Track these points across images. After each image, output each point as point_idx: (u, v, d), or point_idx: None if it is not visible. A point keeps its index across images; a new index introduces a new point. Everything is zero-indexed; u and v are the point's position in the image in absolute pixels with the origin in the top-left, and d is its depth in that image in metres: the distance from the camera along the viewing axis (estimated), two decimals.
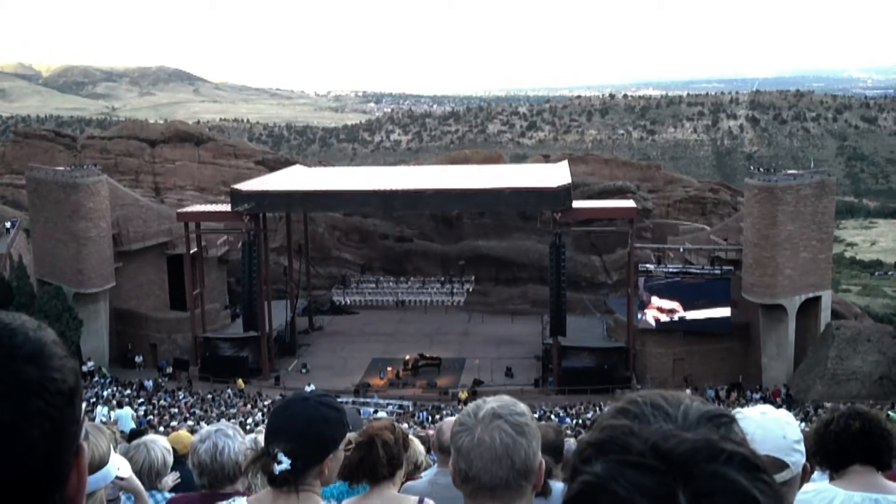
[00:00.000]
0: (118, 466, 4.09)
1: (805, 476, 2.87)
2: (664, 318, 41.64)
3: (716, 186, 63.91)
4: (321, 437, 2.59)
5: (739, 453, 0.99)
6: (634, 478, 0.96)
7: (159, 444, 4.80)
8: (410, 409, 37.93)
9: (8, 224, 45.52)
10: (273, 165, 60.08)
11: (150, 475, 4.57)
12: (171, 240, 47.53)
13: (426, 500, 3.50)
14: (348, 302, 49.54)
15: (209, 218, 45.57)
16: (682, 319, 41.48)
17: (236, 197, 42.85)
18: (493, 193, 42.28)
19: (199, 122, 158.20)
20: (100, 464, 3.93)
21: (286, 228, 50.45)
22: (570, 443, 6.55)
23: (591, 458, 1.02)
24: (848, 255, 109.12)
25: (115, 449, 5.81)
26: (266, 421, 3.33)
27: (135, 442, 4.93)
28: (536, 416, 30.07)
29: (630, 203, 45.20)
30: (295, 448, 2.52)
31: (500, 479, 2.05)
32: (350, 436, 3.28)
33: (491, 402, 2.18)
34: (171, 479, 4.94)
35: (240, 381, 41.74)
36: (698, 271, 41.94)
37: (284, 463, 2.50)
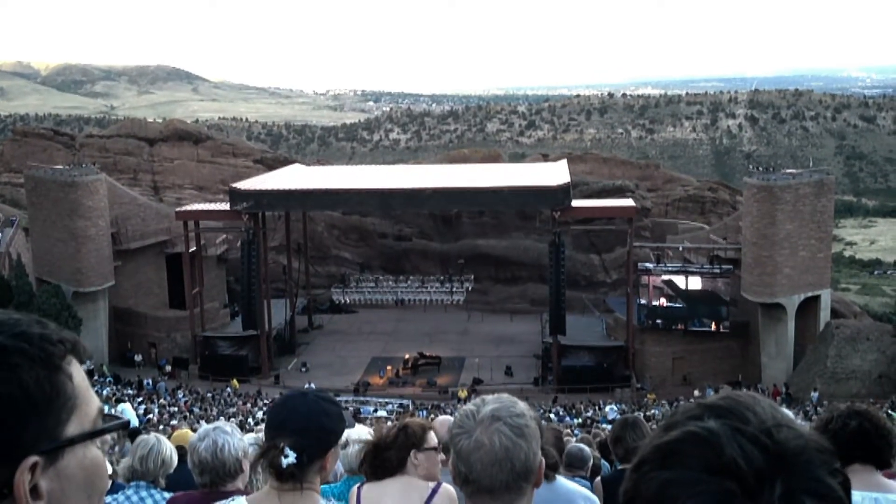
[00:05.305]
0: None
1: None
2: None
3: (715, 185, 63.97)
4: (324, 429, 2.59)
5: (843, 473, 1.02)
6: (746, 446, 0.98)
7: (165, 441, 4.98)
8: (410, 407, 37.91)
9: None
10: (272, 164, 60.02)
11: (157, 464, 4.74)
12: (170, 238, 47.47)
13: (443, 483, 3.51)
14: (348, 301, 49.49)
15: (208, 217, 45.53)
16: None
17: (235, 196, 42.82)
18: (492, 192, 42.27)
19: (197, 120, 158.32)
20: None
21: (285, 227, 50.41)
22: (572, 444, 6.53)
23: (701, 417, 1.05)
24: (847, 254, 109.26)
25: (116, 444, 5.85)
26: (265, 418, 3.31)
27: (143, 436, 5.06)
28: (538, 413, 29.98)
29: (629, 202, 45.21)
30: (299, 441, 2.52)
31: (500, 483, 2.05)
32: (356, 431, 3.28)
33: (490, 404, 2.15)
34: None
35: (234, 382, 41.59)
36: (697, 270, 41.93)
37: (290, 456, 2.50)
